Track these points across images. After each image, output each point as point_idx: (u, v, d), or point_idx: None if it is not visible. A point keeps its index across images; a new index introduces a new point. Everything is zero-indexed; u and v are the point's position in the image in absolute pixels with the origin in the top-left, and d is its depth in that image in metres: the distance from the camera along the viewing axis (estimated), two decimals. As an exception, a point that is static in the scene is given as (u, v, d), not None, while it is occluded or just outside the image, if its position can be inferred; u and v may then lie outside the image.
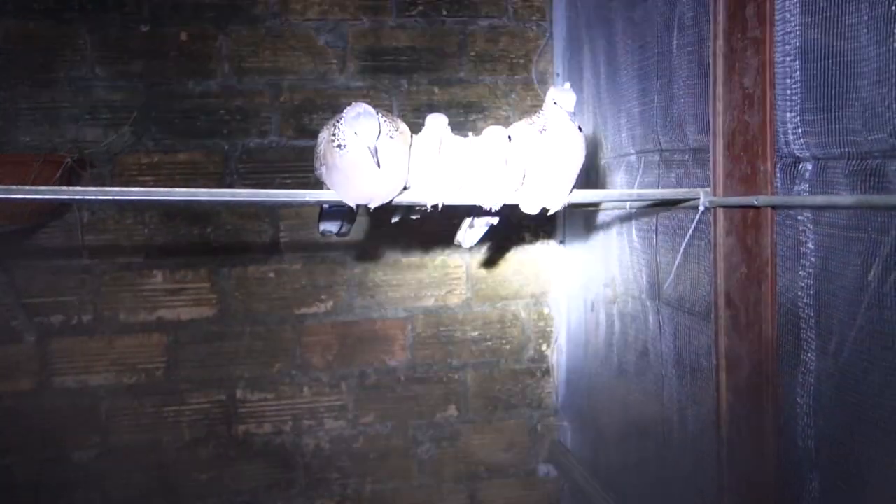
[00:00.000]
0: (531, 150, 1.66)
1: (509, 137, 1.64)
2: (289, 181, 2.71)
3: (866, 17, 1.28)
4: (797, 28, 1.50)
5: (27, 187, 1.57)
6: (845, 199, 1.39)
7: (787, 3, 1.52)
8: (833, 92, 1.40)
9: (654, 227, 2.10)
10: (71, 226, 2.61)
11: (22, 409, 2.61)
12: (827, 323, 1.46)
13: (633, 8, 2.21)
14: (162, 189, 2.10)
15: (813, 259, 1.50)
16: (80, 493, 2.67)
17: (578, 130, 1.65)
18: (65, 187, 2.19)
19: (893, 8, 1.24)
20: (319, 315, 2.81)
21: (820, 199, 1.47)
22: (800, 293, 1.53)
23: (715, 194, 1.74)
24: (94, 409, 2.67)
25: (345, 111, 1.54)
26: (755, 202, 1.61)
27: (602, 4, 2.47)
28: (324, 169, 1.63)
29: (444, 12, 2.82)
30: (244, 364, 2.76)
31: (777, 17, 1.55)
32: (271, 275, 2.77)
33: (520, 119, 1.76)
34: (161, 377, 2.71)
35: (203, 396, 2.74)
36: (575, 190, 1.74)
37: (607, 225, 2.49)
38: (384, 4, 2.79)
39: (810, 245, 1.51)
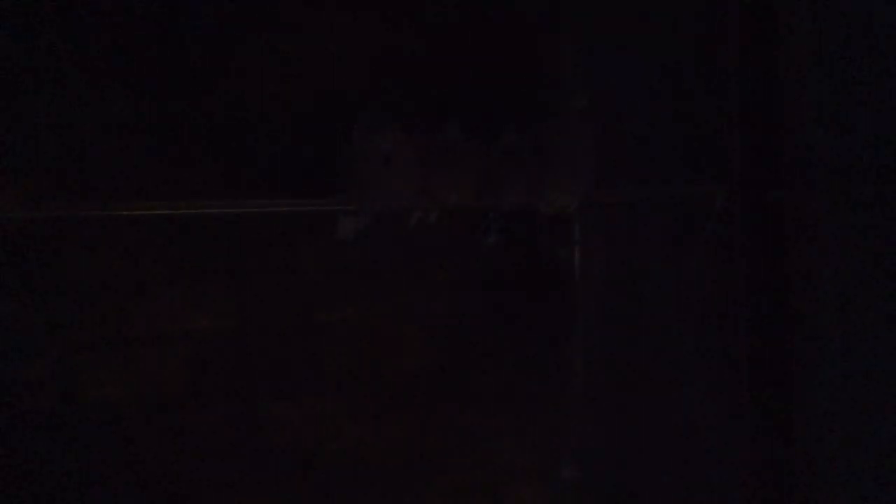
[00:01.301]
0: (545, 150, 1.66)
1: (523, 137, 1.64)
2: (305, 189, 2.71)
3: (885, 1, 1.27)
4: (813, 15, 1.49)
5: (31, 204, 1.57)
6: (864, 188, 1.38)
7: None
8: (852, 82, 1.39)
9: (671, 223, 2.09)
10: (91, 239, 2.62)
11: (48, 424, 2.62)
12: (850, 305, 1.45)
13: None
14: (175, 202, 2.11)
15: (834, 247, 1.49)
16: (106, 507, 2.69)
17: (592, 127, 1.65)
18: (76, 203, 2.19)
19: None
20: (339, 321, 2.81)
21: (838, 190, 1.46)
22: (822, 280, 1.52)
23: (732, 188, 1.73)
24: (118, 424, 2.67)
25: (360, 117, 1.55)
26: (774, 195, 1.60)
27: None
28: (341, 176, 1.64)
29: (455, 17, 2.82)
30: (265, 374, 2.76)
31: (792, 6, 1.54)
32: (290, 283, 2.77)
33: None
34: (182, 390, 2.72)
35: (225, 408, 2.74)
36: (590, 188, 1.73)
37: (623, 223, 2.48)
38: (395, 8, 2.78)
39: (831, 234, 1.50)
